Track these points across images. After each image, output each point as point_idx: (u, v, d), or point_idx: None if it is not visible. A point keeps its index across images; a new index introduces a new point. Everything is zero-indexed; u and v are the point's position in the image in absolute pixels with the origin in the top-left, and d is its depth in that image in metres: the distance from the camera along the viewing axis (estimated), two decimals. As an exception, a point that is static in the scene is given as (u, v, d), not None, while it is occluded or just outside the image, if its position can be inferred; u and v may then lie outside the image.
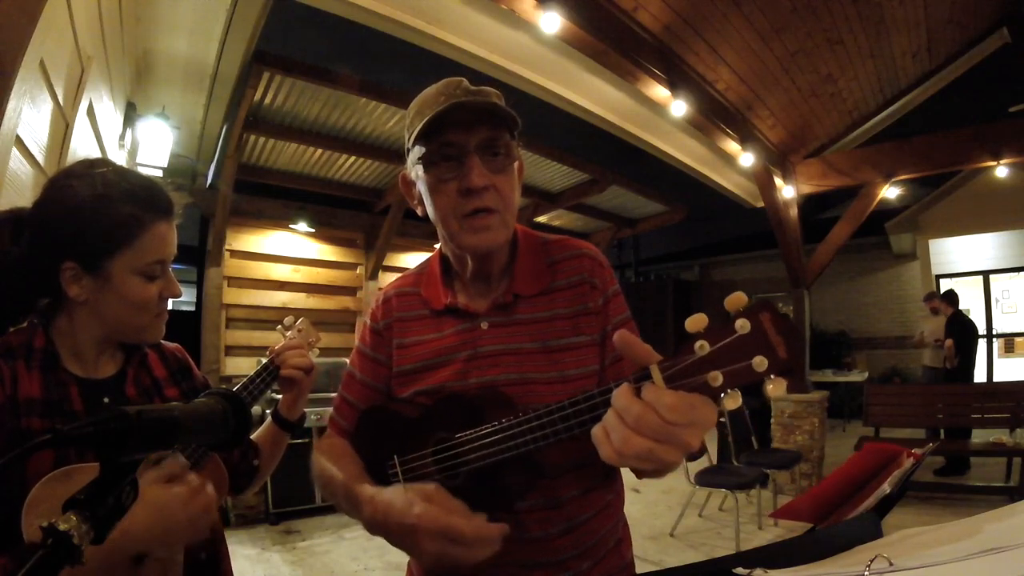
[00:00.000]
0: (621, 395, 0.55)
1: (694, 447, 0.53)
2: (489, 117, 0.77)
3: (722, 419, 4.66)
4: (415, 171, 0.82)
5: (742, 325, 0.50)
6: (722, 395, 0.52)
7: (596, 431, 0.56)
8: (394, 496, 0.68)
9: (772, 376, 0.51)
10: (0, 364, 0.76)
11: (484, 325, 0.83)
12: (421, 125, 0.76)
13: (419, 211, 0.86)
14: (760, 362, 0.50)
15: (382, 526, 0.68)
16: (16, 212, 0.82)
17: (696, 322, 0.53)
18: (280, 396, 1.12)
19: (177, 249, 0.88)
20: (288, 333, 1.17)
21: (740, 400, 0.52)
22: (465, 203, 0.77)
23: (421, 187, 0.82)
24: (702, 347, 0.52)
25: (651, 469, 0.55)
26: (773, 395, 0.50)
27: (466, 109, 0.75)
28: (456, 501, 0.66)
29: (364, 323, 0.95)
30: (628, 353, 0.56)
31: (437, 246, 0.93)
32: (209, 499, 0.74)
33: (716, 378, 0.51)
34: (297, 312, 5.67)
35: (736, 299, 0.52)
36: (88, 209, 0.78)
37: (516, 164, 0.83)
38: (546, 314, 0.83)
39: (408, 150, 0.82)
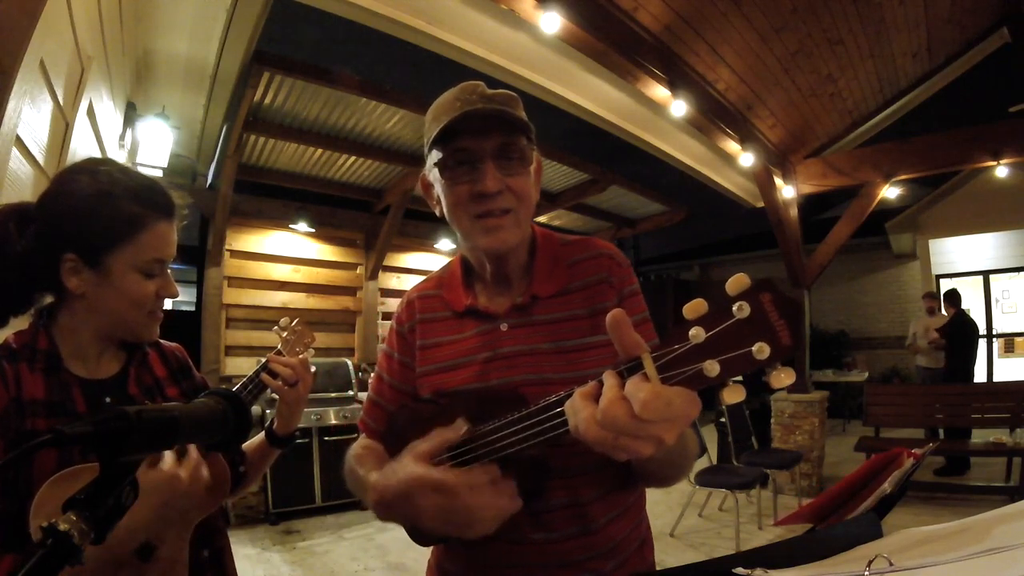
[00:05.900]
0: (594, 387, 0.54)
1: (668, 442, 0.50)
2: (502, 123, 0.79)
3: (722, 419, 4.67)
4: (432, 174, 0.85)
5: (740, 308, 0.46)
6: (722, 387, 0.48)
7: (567, 405, 0.56)
8: (394, 465, 0.70)
9: (777, 365, 0.47)
10: (4, 365, 0.76)
11: (503, 326, 0.84)
12: (436, 132, 0.78)
13: (437, 211, 0.88)
14: (761, 349, 0.46)
15: (386, 502, 0.70)
16: (21, 206, 0.83)
17: (694, 308, 0.49)
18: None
19: (177, 249, 0.89)
20: (284, 334, 1.17)
21: (743, 394, 0.48)
22: (478, 206, 0.79)
23: (439, 189, 0.85)
24: (697, 334, 0.48)
25: (625, 457, 0.53)
26: (779, 385, 0.47)
27: (478, 117, 0.77)
28: (455, 470, 0.67)
29: (391, 327, 0.98)
30: (617, 339, 0.53)
31: (452, 247, 0.94)
32: (194, 466, 0.77)
33: (712, 367, 0.47)
34: (297, 312, 5.72)
35: (737, 281, 0.48)
36: (92, 203, 0.80)
37: (532, 167, 0.85)
38: (564, 315, 0.84)
39: (426, 154, 0.85)
